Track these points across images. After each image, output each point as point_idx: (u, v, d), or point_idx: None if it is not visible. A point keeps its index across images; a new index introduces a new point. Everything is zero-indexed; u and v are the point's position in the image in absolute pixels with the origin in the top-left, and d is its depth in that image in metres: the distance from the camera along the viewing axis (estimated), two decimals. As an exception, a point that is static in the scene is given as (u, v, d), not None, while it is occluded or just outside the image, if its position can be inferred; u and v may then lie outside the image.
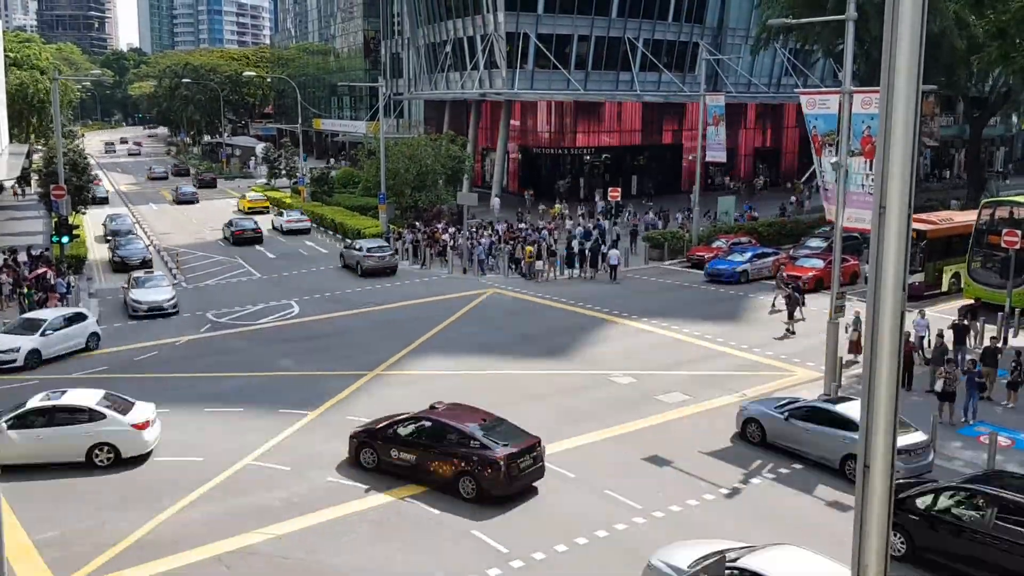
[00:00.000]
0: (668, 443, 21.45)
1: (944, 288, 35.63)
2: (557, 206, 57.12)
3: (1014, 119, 79.64)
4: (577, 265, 42.45)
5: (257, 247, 51.88)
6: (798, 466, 20.09)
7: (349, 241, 46.53)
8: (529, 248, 42.98)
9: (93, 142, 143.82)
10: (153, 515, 17.81)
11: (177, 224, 62.15)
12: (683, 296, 37.69)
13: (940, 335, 25.18)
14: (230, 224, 55.07)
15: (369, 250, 43.08)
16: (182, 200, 72.57)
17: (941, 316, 32.31)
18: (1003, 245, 30.23)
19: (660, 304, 35.78)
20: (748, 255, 41.07)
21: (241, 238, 52.90)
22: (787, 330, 31.13)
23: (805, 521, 17.59)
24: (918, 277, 34.14)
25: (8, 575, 14.97)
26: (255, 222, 54.98)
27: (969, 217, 36.12)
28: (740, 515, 17.84)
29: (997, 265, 32.48)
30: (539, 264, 42.14)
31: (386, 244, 44.48)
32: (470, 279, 41.77)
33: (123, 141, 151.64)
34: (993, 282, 32.44)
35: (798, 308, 31.69)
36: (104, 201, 70.31)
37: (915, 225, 31.68)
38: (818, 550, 14.10)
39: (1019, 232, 29.66)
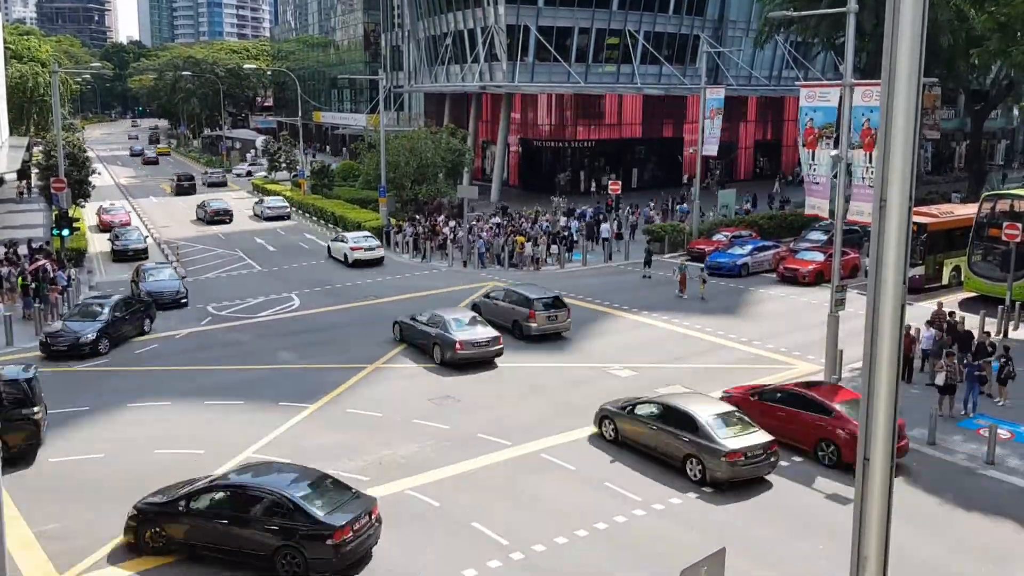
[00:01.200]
0: (668, 436, 21.45)
1: (944, 281, 35.64)
2: (525, 208, 54.56)
3: (1015, 112, 79.51)
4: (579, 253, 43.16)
5: (258, 240, 51.94)
6: (797, 459, 20.11)
7: None
8: (520, 239, 43.16)
9: (94, 134, 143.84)
10: (154, 508, 17.82)
11: (176, 217, 62.14)
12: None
13: (941, 329, 25.18)
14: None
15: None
16: (135, 153, 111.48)
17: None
18: (1004, 238, 30.23)
19: (660, 297, 35.78)
20: (749, 248, 41.05)
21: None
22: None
23: (804, 514, 17.61)
24: (919, 270, 34.14)
25: (10, 567, 14.98)
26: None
27: (970, 210, 36.10)
28: (739, 508, 17.86)
29: (998, 258, 32.48)
30: (528, 250, 42.37)
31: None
32: (470, 272, 41.77)
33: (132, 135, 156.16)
34: (994, 275, 32.45)
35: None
36: (140, 255, 45.32)
37: (916, 218, 31.68)
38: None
39: (1020, 225, 29.65)
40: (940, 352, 23.63)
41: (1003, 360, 23.10)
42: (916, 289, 33.33)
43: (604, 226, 45.21)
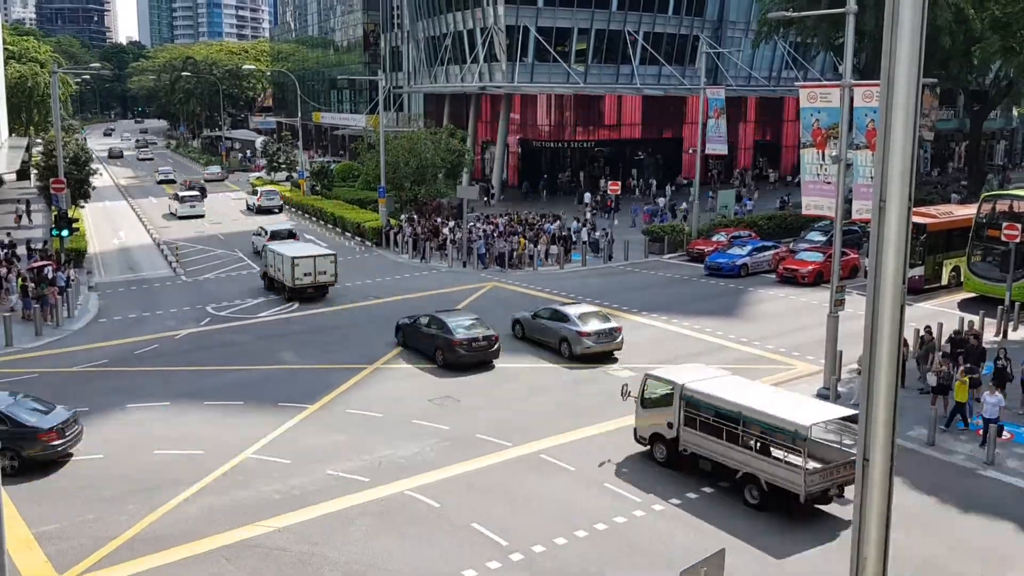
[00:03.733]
0: (668, 436, 21.44)
1: (944, 282, 35.65)
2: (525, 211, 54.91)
3: (1015, 112, 79.45)
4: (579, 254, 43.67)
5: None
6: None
7: None
8: (523, 240, 43.26)
9: (94, 134, 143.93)
10: (153, 508, 17.84)
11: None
12: (683, 290, 37.69)
13: (928, 331, 25.08)
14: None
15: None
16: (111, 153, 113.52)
17: (941, 310, 32.37)
18: (1003, 239, 30.21)
19: (660, 298, 35.78)
20: (748, 248, 41.04)
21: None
22: None
23: (803, 513, 17.59)
24: (918, 271, 34.14)
25: (9, 568, 14.98)
26: None
27: (969, 211, 36.11)
28: (740, 509, 17.85)
29: (997, 259, 32.48)
30: (530, 249, 42.55)
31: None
32: (470, 273, 41.77)
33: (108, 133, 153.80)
34: (993, 276, 32.44)
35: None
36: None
37: (915, 219, 31.54)
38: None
39: (1019, 226, 29.64)
40: (927, 356, 23.59)
41: (1002, 364, 22.91)
42: (916, 289, 33.31)
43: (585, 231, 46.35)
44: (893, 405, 7.33)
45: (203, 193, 67.20)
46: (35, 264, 36.43)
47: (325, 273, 36.02)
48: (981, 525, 17.19)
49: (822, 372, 24.60)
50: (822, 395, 23.78)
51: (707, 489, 18.61)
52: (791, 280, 37.66)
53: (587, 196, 57.32)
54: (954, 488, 18.65)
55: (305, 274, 35.48)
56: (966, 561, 15.87)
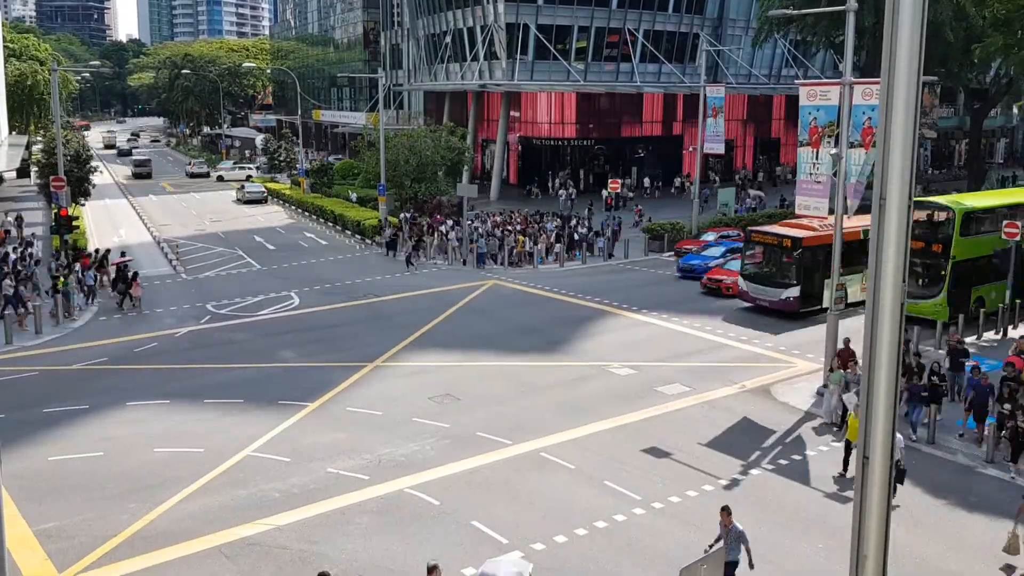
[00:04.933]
0: (668, 434, 21.48)
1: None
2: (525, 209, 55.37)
3: (1015, 110, 79.41)
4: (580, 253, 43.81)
5: (257, 238, 51.96)
6: (797, 457, 20.12)
7: None
8: (522, 238, 43.24)
9: (92, 133, 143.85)
10: (153, 506, 17.83)
11: (176, 215, 62.15)
12: (683, 288, 37.65)
13: (914, 351, 24.74)
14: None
15: None
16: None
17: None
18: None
19: (660, 296, 35.77)
20: (723, 250, 39.23)
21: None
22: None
23: (803, 513, 17.62)
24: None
25: (8, 566, 14.98)
26: None
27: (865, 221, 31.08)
28: (739, 507, 17.82)
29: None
30: (529, 247, 42.57)
31: None
32: (470, 271, 41.77)
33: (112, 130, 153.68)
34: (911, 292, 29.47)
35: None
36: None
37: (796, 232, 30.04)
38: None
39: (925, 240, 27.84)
40: (908, 372, 23.30)
41: (934, 378, 21.38)
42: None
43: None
44: (893, 404, 7.34)
45: None
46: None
47: None
48: (981, 523, 17.18)
49: (822, 370, 24.60)
50: (822, 393, 23.80)
51: (708, 487, 18.62)
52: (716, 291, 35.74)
53: (606, 191, 57.39)
54: (954, 486, 18.66)
55: None
56: (966, 560, 15.86)
